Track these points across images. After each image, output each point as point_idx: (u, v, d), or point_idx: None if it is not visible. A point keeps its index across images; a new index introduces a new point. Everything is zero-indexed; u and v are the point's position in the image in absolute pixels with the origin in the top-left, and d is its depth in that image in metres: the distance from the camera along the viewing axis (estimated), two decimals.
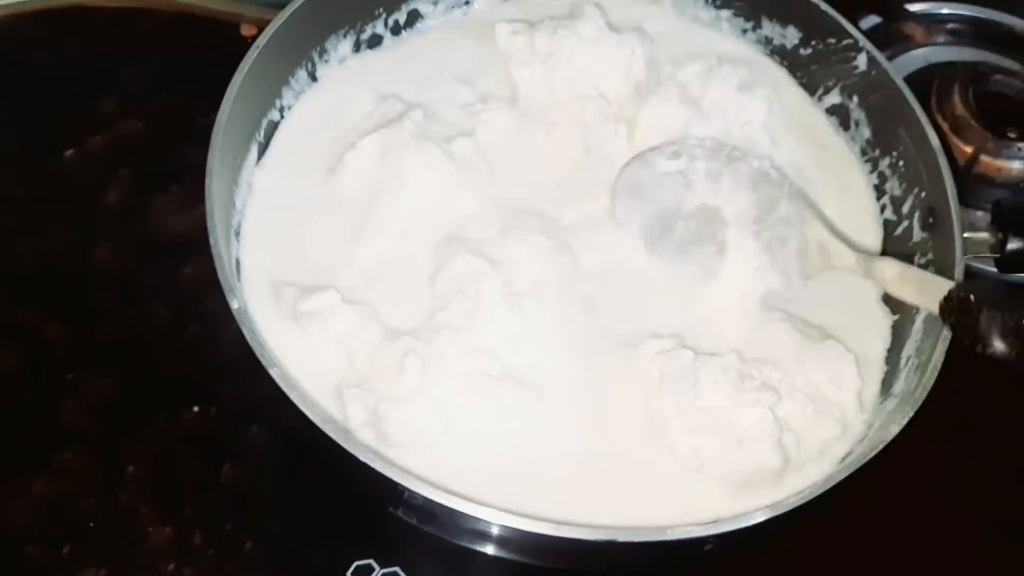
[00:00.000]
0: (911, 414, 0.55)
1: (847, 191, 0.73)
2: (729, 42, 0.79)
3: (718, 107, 0.71)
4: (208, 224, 0.55)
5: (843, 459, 0.60)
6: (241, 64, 0.61)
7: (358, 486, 0.55)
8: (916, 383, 0.57)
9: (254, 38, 0.87)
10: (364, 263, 0.64)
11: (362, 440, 0.54)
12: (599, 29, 0.72)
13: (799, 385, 0.61)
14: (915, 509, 0.64)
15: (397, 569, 0.63)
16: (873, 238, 0.71)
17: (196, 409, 0.71)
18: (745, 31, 0.78)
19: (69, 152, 0.82)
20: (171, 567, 0.65)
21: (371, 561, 0.63)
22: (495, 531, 0.53)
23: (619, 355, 0.62)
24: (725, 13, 0.78)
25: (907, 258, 0.65)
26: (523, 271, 0.63)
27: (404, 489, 0.50)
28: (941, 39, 0.93)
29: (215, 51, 0.88)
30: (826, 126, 0.76)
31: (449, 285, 0.62)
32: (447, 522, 0.55)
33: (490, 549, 0.58)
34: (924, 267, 0.65)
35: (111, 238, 0.78)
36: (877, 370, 0.64)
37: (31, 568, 0.64)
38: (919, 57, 0.90)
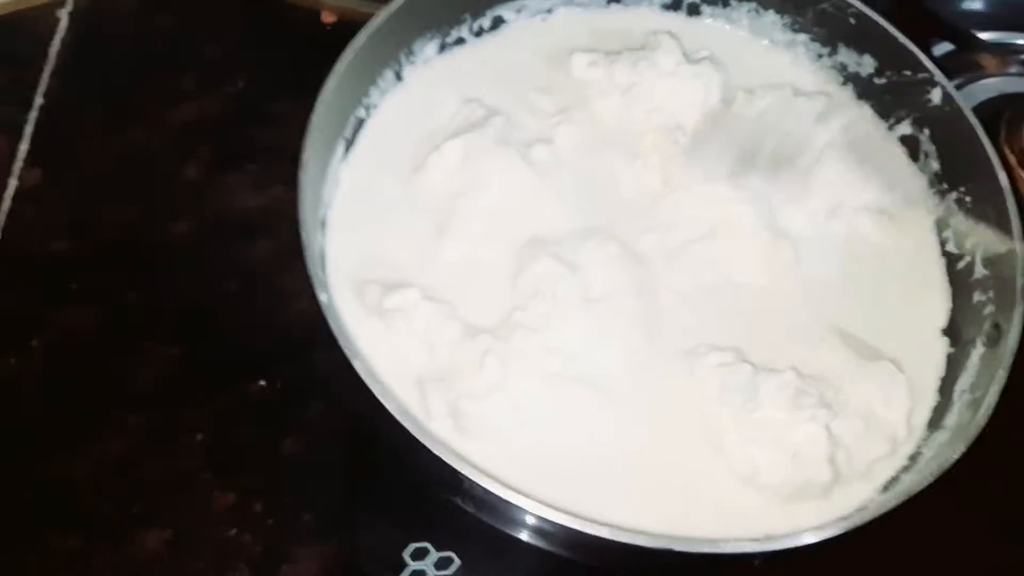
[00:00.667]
0: (963, 449, 0.56)
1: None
2: (802, 67, 0.79)
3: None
4: (300, 215, 0.57)
5: (888, 482, 0.61)
6: (336, 64, 0.63)
7: (421, 472, 0.57)
8: (969, 419, 0.59)
9: (333, 26, 0.90)
10: (444, 262, 0.66)
11: (433, 431, 0.56)
12: (677, 62, 0.73)
13: (852, 403, 0.63)
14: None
15: (452, 554, 0.65)
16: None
17: (262, 383, 0.73)
18: (821, 56, 0.79)
19: (152, 126, 0.85)
20: (232, 532, 0.68)
21: (427, 544, 0.65)
22: (549, 528, 0.55)
23: (682, 364, 0.64)
24: (802, 37, 0.79)
25: (967, 293, 0.67)
26: (599, 277, 0.65)
27: (468, 480, 0.52)
28: (1014, 69, 0.92)
29: (294, 35, 0.91)
30: (901, 159, 0.76)
31: (529, 286, 0.64)
32: (504, 515, 0.58)
33: (542, 543, 0.60)
34: (984, 304, 0.67)
35: (187, 212, 0.81)
36: (929, 396, 0.66)
37: (100, 523, 0.68)
38: (991, 87, 0.90)
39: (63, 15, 0.90)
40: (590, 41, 0.77)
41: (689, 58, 0.74)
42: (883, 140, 0.77)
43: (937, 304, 0.70)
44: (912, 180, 0.75)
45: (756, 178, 0.70)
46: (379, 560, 0.67)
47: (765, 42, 0.80)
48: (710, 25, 0.80)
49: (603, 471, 0.60)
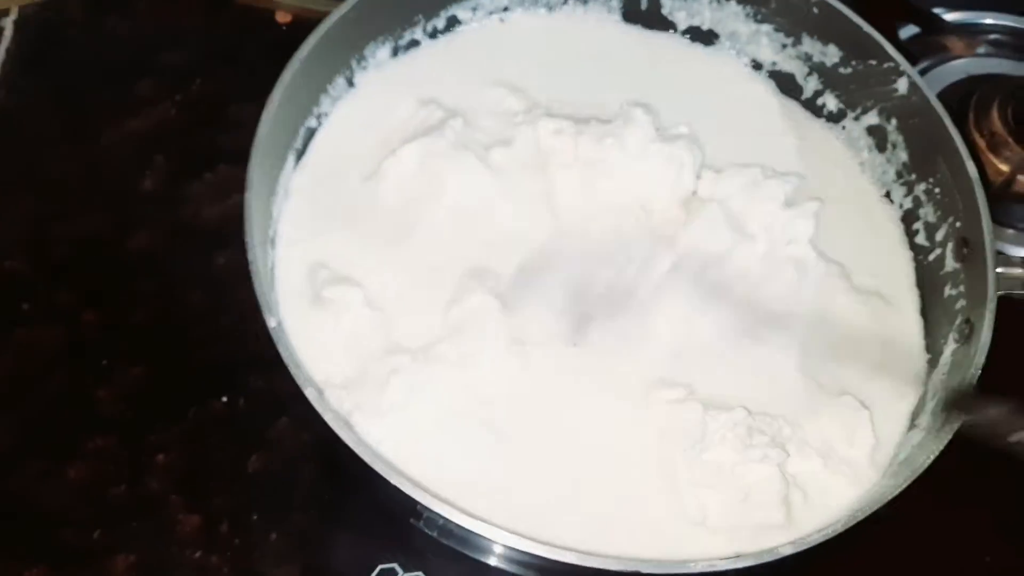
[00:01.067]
0: (937, 452, 0.55)
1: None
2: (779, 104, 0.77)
3: (763, 227, 0.68)
4: (247, 239, 0.55)
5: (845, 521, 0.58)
6: (281, 76, 0.61)
7: (382, 498, 0.56)
8: (943, 420, 0.57)
9: (288, 26, 0.88)
10: (393, 273, 0.65)
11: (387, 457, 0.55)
12: (648, 139, 0.69)
13: (810, 440, 0.61)
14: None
15: (420, 574, 0.64)
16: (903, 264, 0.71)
17: (225, 399, 0.72)
18: (785, 46, 0.77)
19: (107, 136, 0.82)
20: (198, 554, 0.66)
21: (395, 565, 0.64)
22: (513, 554, 0.54)
23: (631, 401, 0.62)
24: (766, 28, 0.77)
25: (938, 288, 0.65)
26: (537, 320, 0.63)
27: (424, 508, 0.51)
28: (982, 50, 0.90)
29: (249, 37, 0.89)
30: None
31: (458, 319, 0.62)
32: (463, 539, 0.57)
33: (510, 567, 0.59)
34: (955, 298, 0.65)
35: (146, 224, 0.78)
36: (897, 433, 0.64)
37: (63, 551, 0.66)
38: (958, 69, 0.88)
39: (7, 24, 0.87)
40: (555, 96, 0.73)
41: (663, 134, 0.70)
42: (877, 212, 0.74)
43: (914, 363, 0.67)
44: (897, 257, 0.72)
45: None
46: None
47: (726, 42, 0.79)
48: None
49: (560, 495, 0.59)
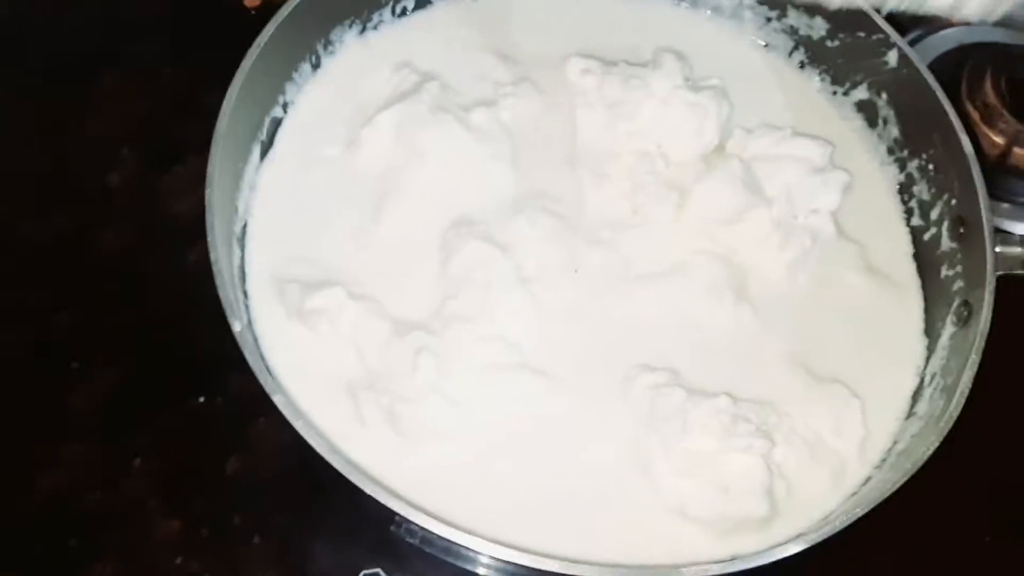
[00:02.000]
0: (937, 443, 0.53)
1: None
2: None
3: (784, 192, 0.66)
4: (208, 238, 0.53)
5: (829, 515, 0.57)
6: (240, 65, 0.59)
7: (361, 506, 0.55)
8: (943, 409, 0.55)
9: (257, 9, 0.85)
10: (373, 252, 0.63)
11: (363, 463, 0.54)
12: (675, 86, 0.67)
13: (798, 429, 0.59)
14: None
15: None
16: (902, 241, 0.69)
17: (202, 399, 0.70)
18: (769, 19, 0.75)
19: (71, 131, 0.80)
20: (179, 560, 0.65)
21: (379, 570, 0.62)
22: (488, 562, 0.53)
23: (616, 383, 0.61)
24: (748, 1, 0.75)
25: (935, 269, 0.63)
26: (533, 253, 0.62)
27: (405, 520, 0.50)
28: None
29: (216, 22, 0.86)
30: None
31: (458, 273, 0.61)
32: (444, 547, 0.55)
33: (492, 573, 0.58)
34: (952, 279, 0.63)
35: (115, 221, 0.76)
36: (891, 424, 0.62)
37: (37, 562, 0.64)
38: (949, 38, 0.86)
39: None
40: (581, 36, 0.72)
41: (693, 84, 0.68)
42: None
43: (913, 347, 0.65)
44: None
45: None
46: None
47: (707, 12, 0.76)
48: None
49: (541, 492, 0.57)
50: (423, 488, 0.55)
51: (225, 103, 0.58)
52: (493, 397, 0.59)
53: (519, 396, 0.59)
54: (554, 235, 0.64)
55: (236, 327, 0.51)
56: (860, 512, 0.51)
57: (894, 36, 0.67)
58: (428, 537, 0.50)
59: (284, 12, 0.61)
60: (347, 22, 0.69)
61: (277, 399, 0.49)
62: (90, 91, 0.81)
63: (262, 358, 0.56)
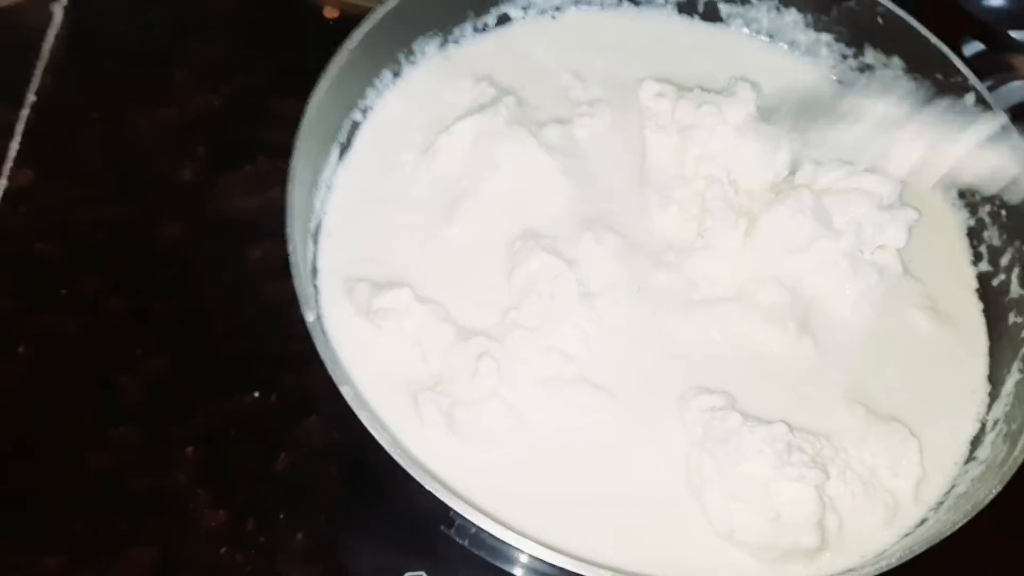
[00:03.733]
0: (999, 488, 0.52)
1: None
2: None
3: (853, 224, 0.66)
4: (287, 231, 0.54)
5: (880, 554, 0.57)
6: (327, 68, 0.60)
7: (415, 502, 0.55)
8: (1006, 454, 0.55)
9: (336, 21, 0.87)
10: (443, 256, 0.64)
11: (421, 460, 0.54)
12: (748, 114, 0.68)
13: (853, 464, 0.59)
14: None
15: None
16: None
17: (256, 394, 0.71)
18: (846, 57, 0.75)
19: (146, 125, 0.81)
20: (223, 551, 0.65)
21: (423, 573, 0.62)
22: (536, 565, 0.53)
23: (672, 403, 0.61)
24: (825, 37, 0.75)
25: (1002, 315, 0.63)
26: (597, 272, 0.63)
27: (461, 518, 0.50)
28: None
29: (295, 30, 0.88)
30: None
31: (524, 283, 0.62)
32: (493, 549, 0.55)
33: None
34: (1021, 327, 0.63)
35: (181, 214, 0.78)
36: (949, 468, 0.61)
37: (84, 542, 0.65)
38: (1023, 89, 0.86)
39: (57, 9, 0.87)
40: (657, 61, 0.73)
41: (765, 115, 0.69)
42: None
43: (975, 391, 0.64)
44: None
45: None
46: None
47: (784, 46, 0.76)
48: (727, 30, 0.76)
49: (589, 504, 0.57)
50: (475, 490, 0.56)
51: (310, 104, 0.59)
52: (550, 407, 0.59)
53: (575, 408, 0.60)
54: (618, 254, 0.64)
55: (309, 317, 0.52)
56: (918, 550, 0.51)
57: (972, 79, 0.67)
58: (480, 537, 0.50)
59: (372, 21, 0.63)
60: (429, 34, 0.71)
61: (344, 390, 0.50)
62: (166, 87, 0.83)
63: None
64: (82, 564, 0.64)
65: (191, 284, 0.75)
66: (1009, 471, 0.53)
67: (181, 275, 0.75)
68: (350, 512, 0.68)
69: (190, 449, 0.68)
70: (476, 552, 0.55)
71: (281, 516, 0.66)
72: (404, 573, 0.62)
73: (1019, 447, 0.54)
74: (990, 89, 0.78)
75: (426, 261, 0.64)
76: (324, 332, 0.56)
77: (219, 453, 0.68)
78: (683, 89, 0.70)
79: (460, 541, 0.54)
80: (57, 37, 0.85)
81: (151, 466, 0.67)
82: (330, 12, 0.87)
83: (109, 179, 0.79)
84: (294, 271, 0.53)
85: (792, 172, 0.68)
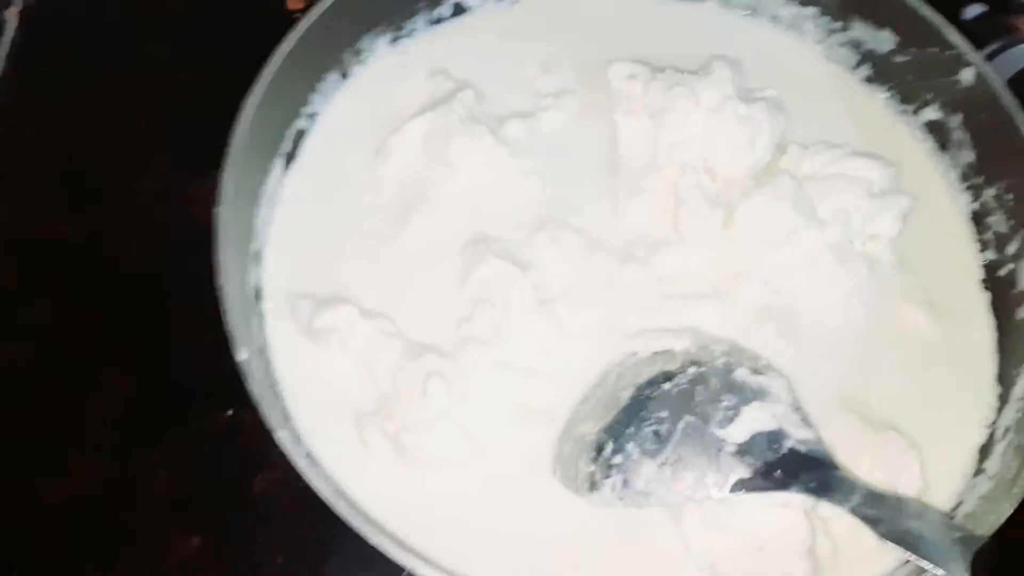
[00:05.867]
0: (1010, 511, 0.48)
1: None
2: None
3: (840, 214, 0.61)
4: (217, 260, 0.51)
5: None
6: (260, 75, 0.56)
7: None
8: (1016, 471, 0.50)
9: (301, 12, 0.83)
10: (393, 265, 0.61)
11: (368, 498, 0.52)
12: (725, 96, 0.63)
13: None
14: None
15: None
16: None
17: (230, 413, 0.68)
18: (833, 31, 0.70)
19: (106, 133, 0.78)
20: None
21: None
22: None
23: None
24: (810, 11, 0.70)
25: (1010, 309, 0.58)
26: (557, 273, 0.59)
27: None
28: None
29: (257, 26, 0.83)
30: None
31: (476, 293, 0.58)
32: None
33: None
34: None
35: (144, 227, 0.75)
36: (954, 479, 0.56)
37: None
38: None
39: (11, 15, 0.84)
40: (629, 43, 0.68)
41: (746, 95, 0.64)
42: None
43: (982, 395, 0.60)
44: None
45: None
46: None
47: (766, 20, 0.71)
48: (704, 4, 0.71)
49: (554, 533, 0.54)
50: (430, 524, 0.53)
51: (242, 117, 0.55)
52: (507, 429, 0.56)
53: (535, 429, 0.56)
54: (579, 253, 0.60)
55: (241, 355, 0.49)
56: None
57: (970, 53, 0.62)
58: None
59: (307, 22, 0.59)
60: (378, 30, 0.67)
61: (280, 435, 0.47)
62: (127, 93, 0.80)
63: (272, 383, 0.54)
64: None
65: (159, 301, 0.72)
66: (1021, 491, 0.49)
67: (145, 291, 0.72)
68: (333, 533, 0.65)
69: (161, 473, 0.66)
70: None
71: (259, 540, 0.64)
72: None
73: None
74: (990, 57, 0.73)
75: (376, 272, 0.60)
76: (269, 359, 0.53)
77: (193, 477, 0.66)
78: (656, 70, 0.65)
79: None
80: (12, 43, 0.83)
81: (120, 496, 0.65)
82: (294, 4, 0.83)
83: (67, 192, 0.76)
84: (225, 303, 0.49)
85: (776, 157, 0.64)
